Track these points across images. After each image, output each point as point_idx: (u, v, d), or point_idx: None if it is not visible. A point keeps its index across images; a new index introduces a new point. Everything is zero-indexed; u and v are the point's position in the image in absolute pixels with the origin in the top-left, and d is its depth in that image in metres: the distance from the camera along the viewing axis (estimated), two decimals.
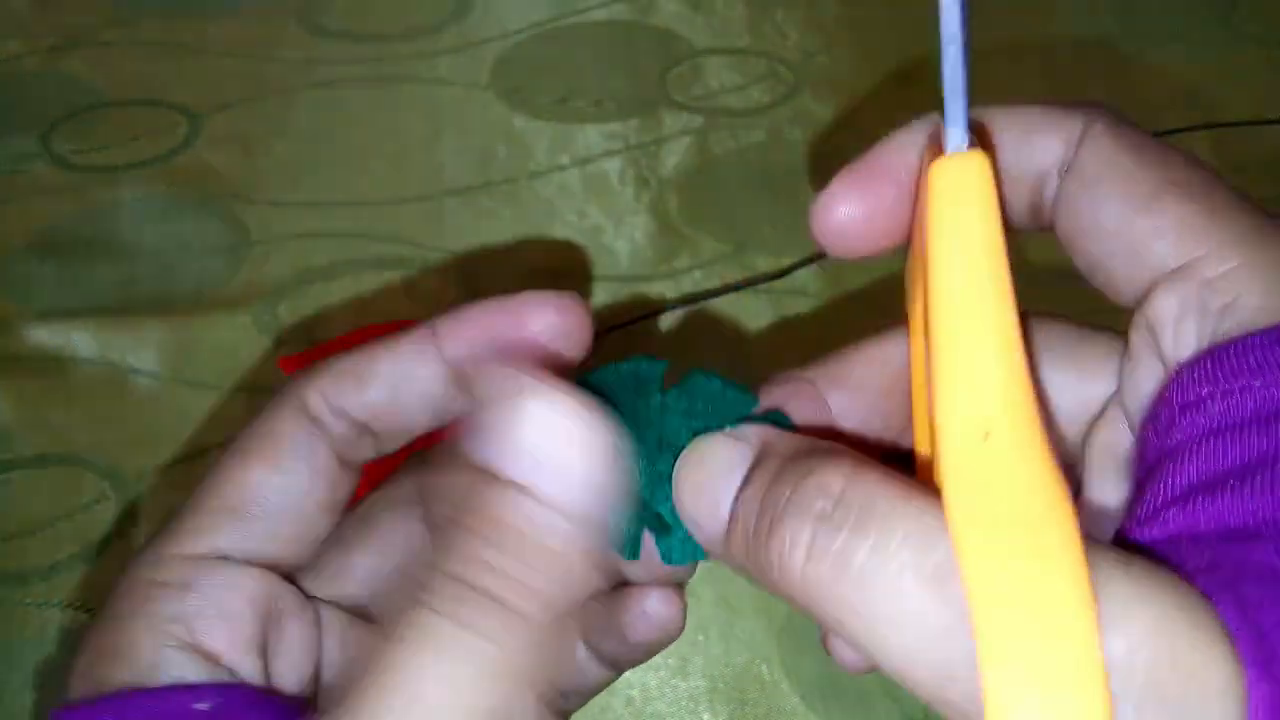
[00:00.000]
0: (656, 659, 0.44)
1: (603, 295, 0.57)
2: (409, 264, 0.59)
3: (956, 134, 0.21)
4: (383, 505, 0.28)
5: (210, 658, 0.24)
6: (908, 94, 0.69)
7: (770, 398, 0.26)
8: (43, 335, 0.55)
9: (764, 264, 0.59)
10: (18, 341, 0.55)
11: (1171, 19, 0.76)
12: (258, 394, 0.52)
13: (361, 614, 0.28)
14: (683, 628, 0.28)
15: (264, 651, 0.25)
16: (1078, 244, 0.24)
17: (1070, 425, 0.25)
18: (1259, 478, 0.19)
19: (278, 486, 0.26)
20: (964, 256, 0.20)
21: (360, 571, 0.28)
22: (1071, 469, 0.25)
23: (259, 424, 0.27)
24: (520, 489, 0.20)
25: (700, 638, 0.44)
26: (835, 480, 0.20)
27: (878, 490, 0.19)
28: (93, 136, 0.67)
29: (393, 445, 0.27)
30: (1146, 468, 0.22)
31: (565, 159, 0.65)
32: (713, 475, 0.22)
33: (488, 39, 0.75)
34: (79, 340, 0.55)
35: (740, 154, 0.66)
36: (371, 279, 0.58)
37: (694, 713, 0.42)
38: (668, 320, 0.56)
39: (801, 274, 0.58)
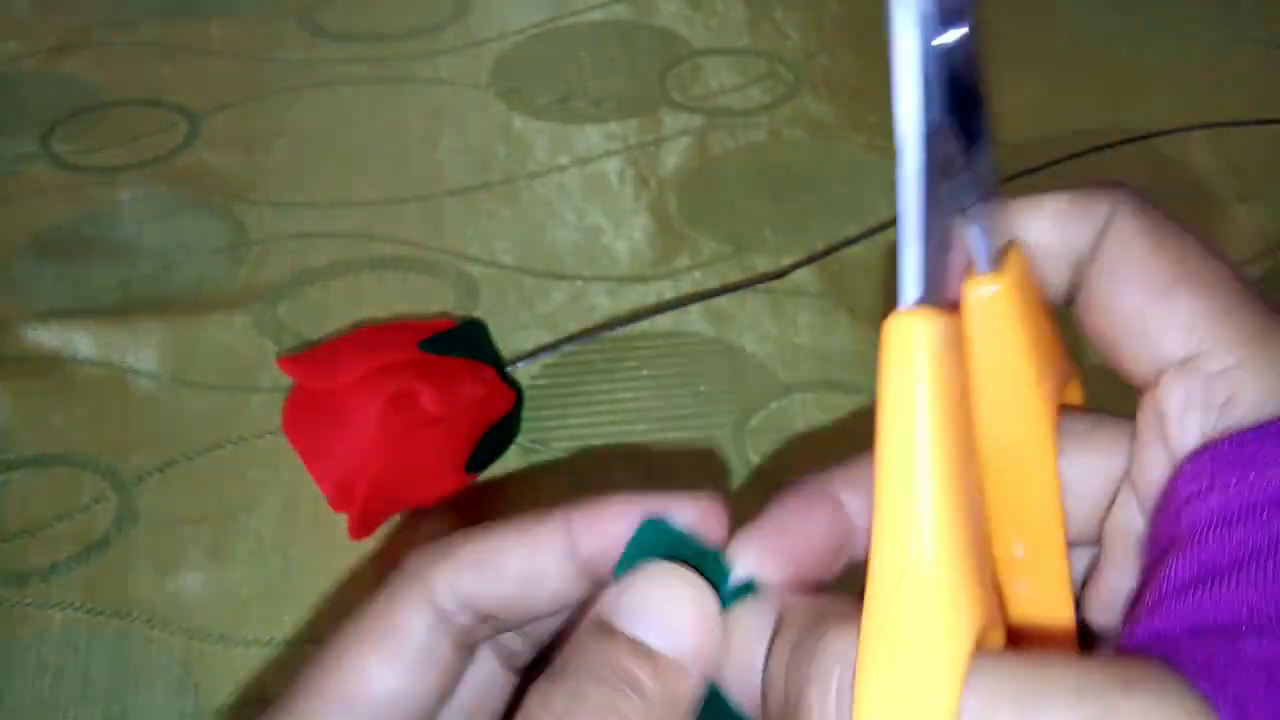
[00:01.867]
0: None
1: (602, 295, 0.57)
2: (409, 264, 0.59)
3: (910, 289, 0.22)
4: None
5: None
6: None
7: (786, 509, 0.27)
8: (43, 335, 0.55)
9: (764, 264, 0.59)
10: (18, 341, 0.55)
11: (1171, 19, 0.76)
12: (258, 394, 0.52)
13: None
14: None
15: None
16: (1094, 325, 0.25)
17: (1088, 508, 0.26)
18: (1248, 571, 0.20)
19: (393, 684, 0.26)
20: (901, 415, 0.21)
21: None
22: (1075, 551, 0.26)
23: (378, 611, 0.26)
24: (643, 647, 0.24)
25: None
26: (847, 649, 0.21)
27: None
28: (93, 136, 0.67)
29: (514, 628, 0.28)
30: (1155, 556, 0.23)
31: (565, 159, 0.65)
32: (742, 645, 0.24)
33: (488, 39, 0.75)
34: (79, 340, 0.55)
35: (740, 154, 0.66)
36: (371, 279, 0.58)
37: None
38: (663, 322, 0.56)
39: (801, 274, 0.58)
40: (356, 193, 0.63)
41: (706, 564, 0.25)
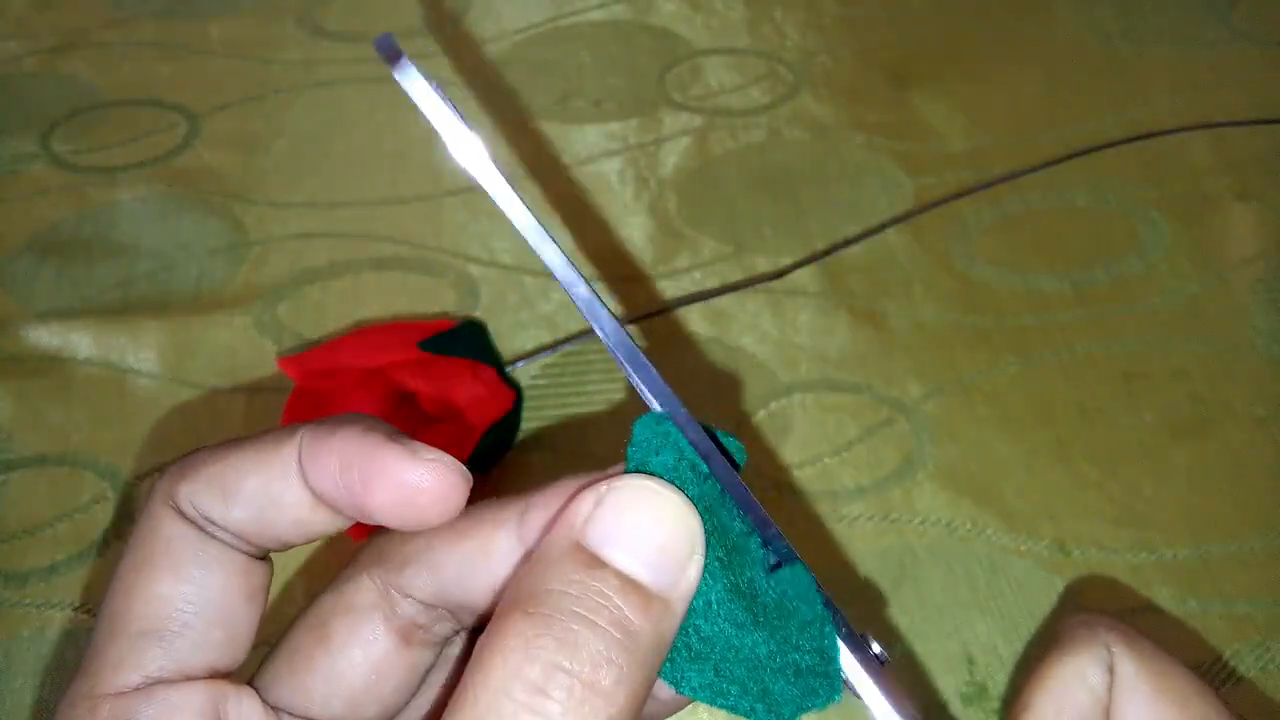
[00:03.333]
0: None
1: (602, 295, 0.57)
2: (409, 264, 0.59)
3: None
4: (339, 614, 0.27)
5: None
6: (907, 94, 0.69)
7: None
8: (43, 335, 0.55)
9: (763, 264, 0.59)
10: (18, 341, 0.55)
11: (1171, 19, 0.76)
12: (258, 394, 0.52)
13: None
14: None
15: None
16: None
17: None
18: None
19: (189, 596, 0.25)
20: None
21: (320, 687, 0.26)
22: None
23: (143, 535, 0.25)
24: (630, 581, 0.22)
25: None
26: None
27: None
28: (93, 136, 0.67)
29: (274, 549, 0.26)
30: None
31: (565, 159, 0.65)
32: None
33: (488, 39, 0.75)
34: (79, 340, 0.55)
35: (740, 154, 0.66)
36: (371, 279, 0.58)
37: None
38: (663, 322, 0.56)
39: (801, 274, 0.58)
40: (356, 193, 0.63)
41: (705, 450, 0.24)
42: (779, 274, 0.58)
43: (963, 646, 0.44)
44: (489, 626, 0.22)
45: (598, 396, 0.53)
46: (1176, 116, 0.67)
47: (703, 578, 0.24)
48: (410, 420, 0.47)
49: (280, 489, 0.25)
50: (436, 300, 0.57)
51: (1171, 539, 0.47)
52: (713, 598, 0.24)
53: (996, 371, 0.53)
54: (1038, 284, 0.58)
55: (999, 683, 0.43)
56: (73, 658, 0.43)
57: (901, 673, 0.43)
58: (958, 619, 0.44)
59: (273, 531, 0.25)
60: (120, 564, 0.25)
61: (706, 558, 0.24)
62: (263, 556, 0.26)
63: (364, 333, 0.53)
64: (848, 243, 0.60)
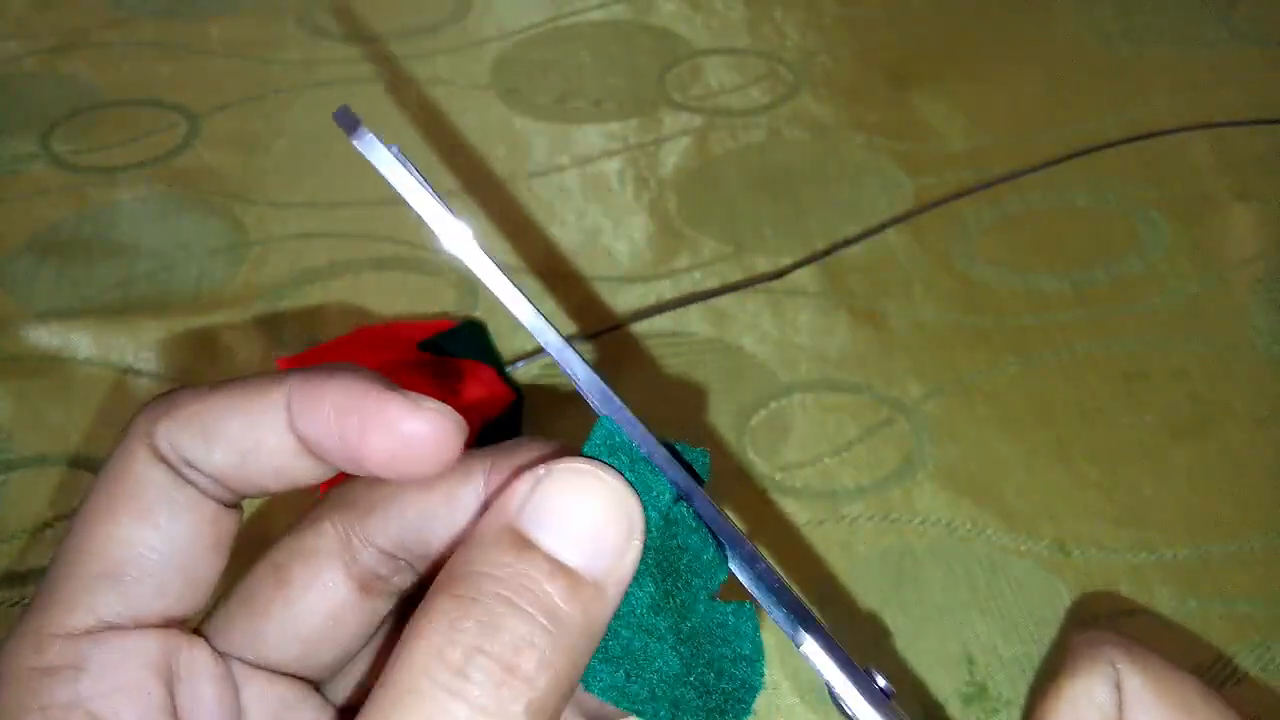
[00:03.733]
0: None
1: (602, 295, 0.57)
2: (409, 264, 0.59)
3: None
4: (299, 558, 0.26)
5: None
6: (907, 94, 0.70)
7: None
8: (43, 335, 0.55)
9: (763, 264, 0.59)
10: (18, 341, 0.55)
11: (1171, 19, 0.76)
12: None
13: (288, 673, 0.26)
14: None
15: (176, 716, 0.24)
16: None
17: None
18: None
19: (152, 542, 0.24)
20: None
21: (277, 631, 0.26)
22: None
23: (113, 473, 0.24)
24: (560, 565, 0.22)
25: None
26: None
27: None
28: (93, 136, 0.67)
29: (251, 496, 0.25)
30: None
31: (565, 159, 0.65)
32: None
33: (488, 39, 0.75)
34: (79, 340, 0.55)
35: (740, 154, 0.66)
36: (371, 279, 0.58)
37: None
38: (663, 322, 0.56)
39: (801, 274, 0.58)
40: (356, 193, 0.63)
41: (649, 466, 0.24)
42: (779, 274, 0.58)
43: (963, 646, 0.44)
44: (418, 607, 0.22)
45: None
46: (1176, 116, 0.67)
47: (631, 583, 0.23)
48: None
49: (265, 433, 0.24)
50: (436, 300, 0.57)
51: (1171, 539, 0.47)
52: (635, 605, 0.23)
53: (996, 371, 0.53)
54: (1038, 284, 0.58)
55: (999, 683, 0.43)
56: None
57: (902, 685, 0.43)
58: (958, 619, 0.44)
59: (252, 477, 0.24)
60: (86, 500, 0.24)
61: (641, 563, 0.23)
62: (233, 504, 0.25)
63: (364, 333, 0.53)
64: (848, 243, 0.60)
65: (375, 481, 0.25)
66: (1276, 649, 0.43)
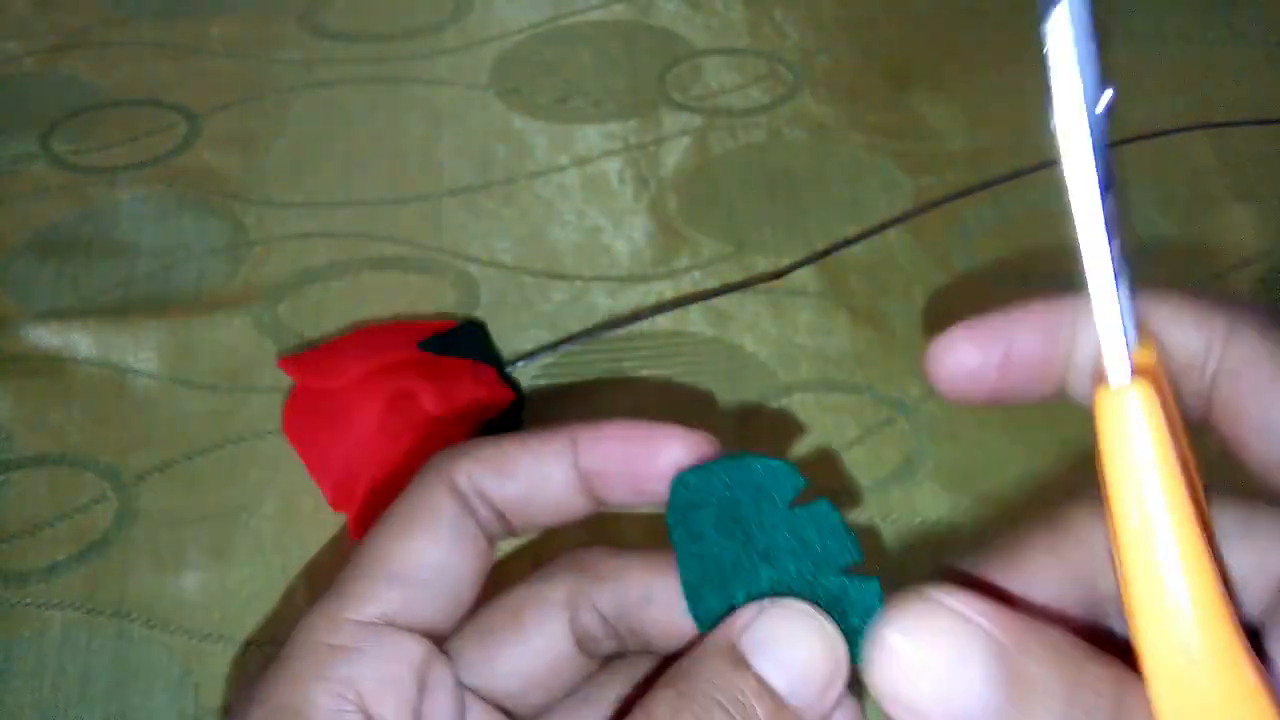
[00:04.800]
0: None
1: (602, 296, 0.57)
2: (409, 264, 0.59)
3: (1118, 368, 0.22)
4: (533, 603, 0.29)
5: None
6: (907, 94, 0.69)
7: (1004, 316, 0.28)
8: (43, 335, 0.55)
9: (764, 264, 0.59)
10: (18, 341, 0.55)
11: (1171, 19, 0.76)
12: (258, 394, 0.52)
13: (501, 707, 0.29)
14: None
15: (419, 718, 0.26)
16: (1249, 446, 0.26)
17: (1252, 601, 0.26)
18: None
19: (436, 558, 0.27)
20: (1138, 493, 0.21)
21: (505, 666, 0.29)
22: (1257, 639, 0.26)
23: (414, 498, 0.28)
24: (769, 689, 0.25)
25: None
26: (1108, 689, 0.22)
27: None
28: (93, 136, 0.67)
29: (519, 534, 0.29)
30: None
31: (565, 159, 0.65)
32: (941, 659, 0.22)
33: (487, 39, 0.75)
34: (79, 340, 0.55)
35: (740, 154, 0.66)
36: (371, 279, 0.58)
37: None
38: (663, 322, 0.56)
39: (801, 274, 0.58)
40: (356, 193, 0.63)
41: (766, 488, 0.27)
42: (779, 274, 0.58)
43: None
44: (643, 697, 0.25)
45: (598, 396, 0.53)
46: (1176, 116, 0.67)
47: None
48: (410, 420, 0.47)
49: (551, 468, 0.28)
50: (436, 300, 0.57)
51: None
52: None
53: None
54: (1037, 284, 0.58)
55: None
56: (73, 659, 0.43)
57: None
58: None
59: (535, 509, 0.29)
60: (383, 521, 0.28)
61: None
62: (494, 547, 0.29)
63: (364, 333, 0.53)
64: (848, 243, 0.60)
65: (610, 550, 0.29)
66: None
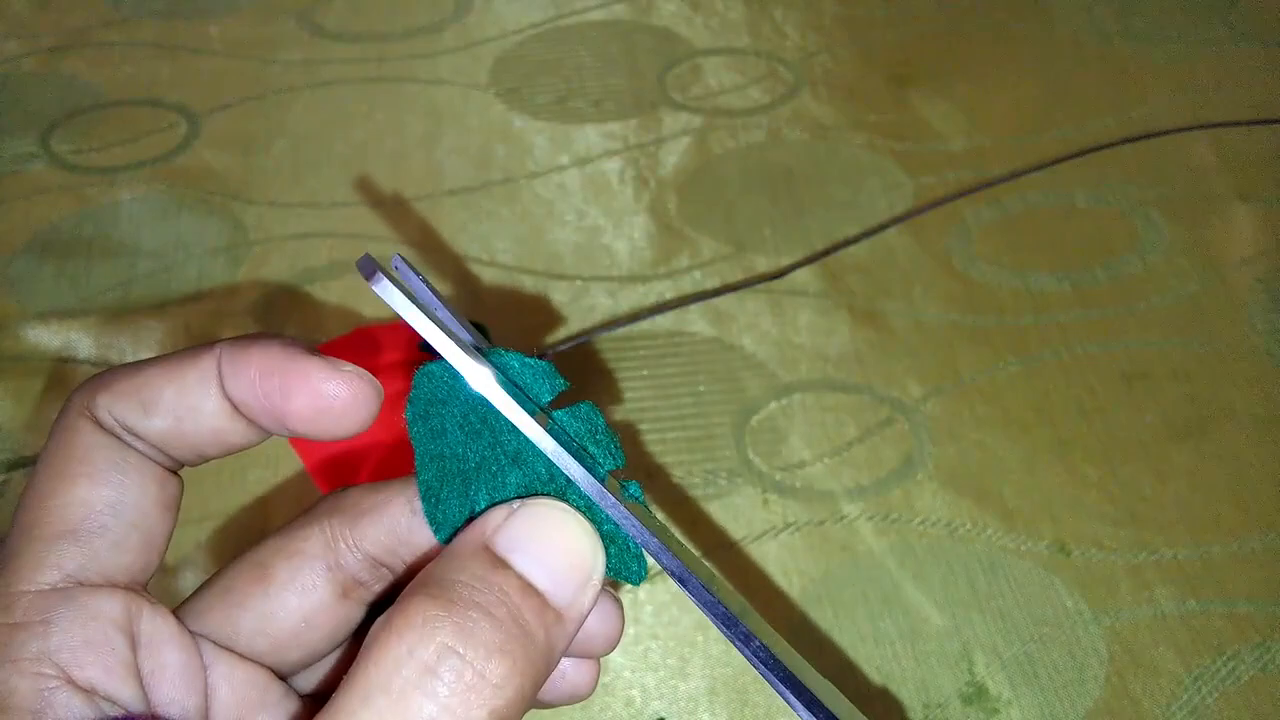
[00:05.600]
0: (656, 659, 0.44)
1: (602, 295, 0.57)
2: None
3: None
4: (283, 556, 0.27)
5: (88, 691, 0.23)
6: (906, 94, 0.69)
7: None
8: (43, 335, 0.55)
9: (763, 264, 0.59)
10: (18, 341, 0.55)
11: (1171, 19, 0.76)
12: None
13: (252, 660, 0.27)
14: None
15: (140, 676, 0.24)
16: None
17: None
18: None
19: (108, 500, 0.25)
20: None
21: (249, 624, 0.27)
22: None
23: (59, 444, 0.25)
24: (532, 589, 0.24)
25: (700, 638, 0.44)
26: None
27: None
28: (93, 136, 0.67)
29: (193, 463, 0.26)
30: None
31: (565, 159, 0.65)
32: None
33: (488, 39, 0.75)
34: (79, 340, 0.55)
35: (740, 154, 0.66)
36: None
37: (694, 713, 0.42)
38: (663, 322, 0.56)
39: (801, 274, 0.58)
40: (356, 193, 0.63)
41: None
42: (779, 274, 0.58)
43: (963, 646, 0.44)
44: (390, 608, 0.23)
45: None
46: (1176, 116, 0.67)
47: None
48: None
49: (198, 398, 0.25)
50: None
51: (1171, 539, 0.47)
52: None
53: (996, 371, 0.53)
54: (1038, 284, 0.58)
55: (999, 683, 0.43)
56: None
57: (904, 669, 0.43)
58: (958, 619, 0.44)
59: (191, 441, 0.26)
60: (34, 474, 0.25)
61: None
62: (175, 471, 0.26)
63: (364, 333, 0.53)
64: (848, 243, 0.60)
65: (371, 487, 0.27)
66: (1276, 649, 0.43)
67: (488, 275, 0.58)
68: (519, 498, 0.25)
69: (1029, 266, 0.59)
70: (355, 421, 0.25)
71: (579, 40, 0.75)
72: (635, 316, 0.56)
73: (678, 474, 0.49)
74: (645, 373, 0.54)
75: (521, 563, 0.24)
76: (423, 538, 0.27)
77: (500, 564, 0.24)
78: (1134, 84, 0.71)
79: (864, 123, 0.68)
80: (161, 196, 0.63)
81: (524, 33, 0.75)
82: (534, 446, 0.25)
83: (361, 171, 0.65)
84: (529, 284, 0.58)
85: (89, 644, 0.23)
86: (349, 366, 0.25)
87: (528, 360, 0.26)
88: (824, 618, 0.45)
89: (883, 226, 0.61)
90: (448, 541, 0.26)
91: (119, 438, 0.25)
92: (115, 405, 0.25)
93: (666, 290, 0.57)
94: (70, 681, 0.23)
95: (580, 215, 0.62)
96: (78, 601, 0.24)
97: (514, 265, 0.59)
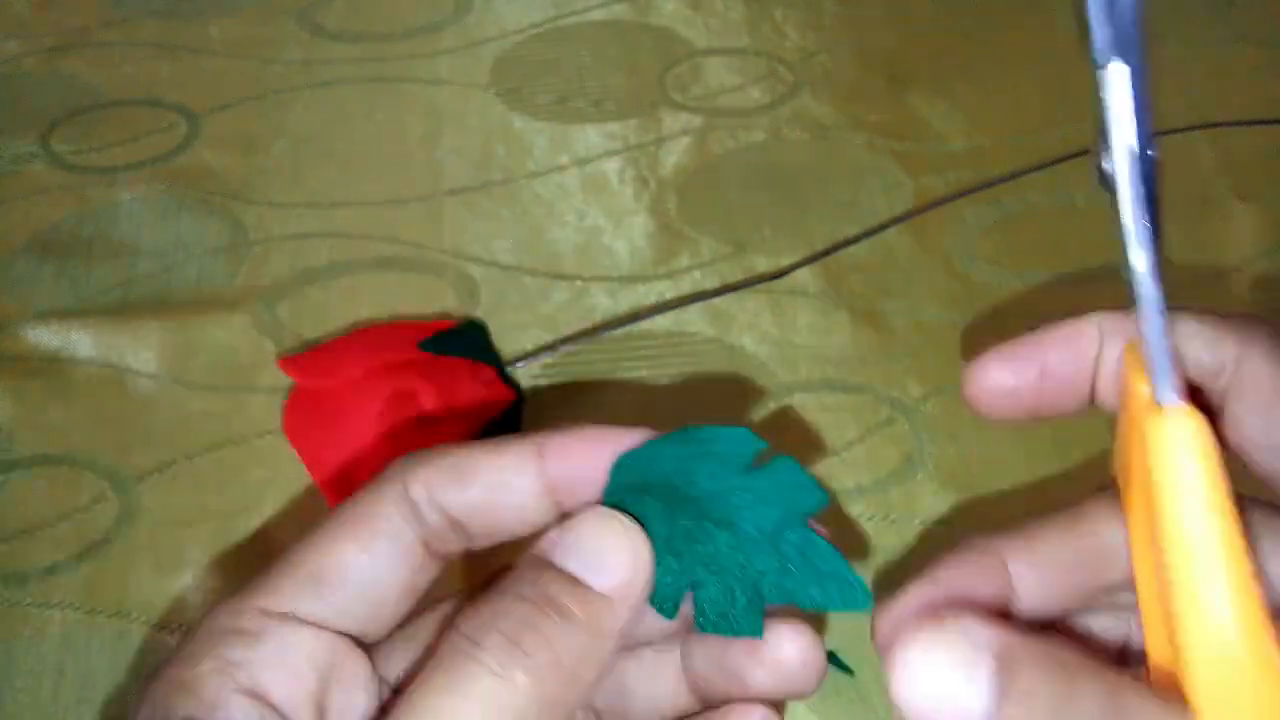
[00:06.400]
0: None
1: (602, 295, 0.57)
2: (409, 264, 0.59)
3: (1170, 392, 0.25)
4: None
5: (269, 705, 0.26)
6: (906, 94, 0.69)
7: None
8: (42, 335, 0.55)
9: (764, 264, 0.59)
10: (18, 341, 0.55)
11: (1171, 19, 0.76)
12: (257, 394, 0.52)
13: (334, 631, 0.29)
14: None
15: (322, 711, 0.27)
16: (1255, 460, 0.28)
17: None
18: None
19: (362, 564, 0.27)
20: (1191, 513, 0.23)
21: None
22: None
23: (359, 501, 0.28)
24: (575, 580, 0.26)
25: None
26: (1101, 691, 0.22)
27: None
28: (93, 136, 0.67)
29: (481, 544, 0.29)
30: None
31: (565, 159, 0.65)
32: (946, 680, 0.23)
33: (488, 39, 0.75)
34: (79, 340, 0.55)
35: (740, 154, 0.66)
36: (371, 279, 0.58)
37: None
38: (663, 322, 0.56)
39: (801, 274, 0.58)
40: (356, 193, 0.63)
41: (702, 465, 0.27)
42: (779, 274, 0.58)
43: None
44: (458, 616, 0.26)
45: (598, 396, 0.53)
46: (1176, 116, 0.67)
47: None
48: (410, 420, 0.47)
49: (513, 475, 0.28)
50: (436, 300, 0.57)
51: None
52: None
53: None
54: (1038, 284, 0.58)
55: None
56: (73, 660, 0.43)
57: None
58: None
59: (495, 517, 0.28)
60: (324, 522, 0.28)
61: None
62: (442, 559, 0.29)
63: (364, 333, 0.53)
64: (848, 243, 0.60)
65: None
66: None
67: (488, 275, 0.58)
68: (732, 560, 0.27)
69: (1029, 266, 0.59)
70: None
71: (579, 40, 0.75)
72: (635, 316, 0.56)
73: None
74: (645, 373, 0.54)
75: (565, 560, 0.26)
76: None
77: (546, 564, 0.26)
78: None
79: (864, 123, 0.68)
80: (161, 196, 0.63)
81: (524, 33, 0.75)
82: (743, 505, 0.27)
83: (361, 171, 0.65)
84: (529, 284, 0.58)
85: (284, 666, 0.26)
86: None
87: (722, 430, 0.28)
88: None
89: (883, 226, 0.61)
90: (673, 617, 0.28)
91: (416, 513, 0.28)
92: (432, 477, 0.28)
93: (666, 290, 0.57)
94: (254, 692, 0.26)
95: (580, 215, 0.62)
96: (289, 630, 0.27)
97: (514, 265, 0.59)
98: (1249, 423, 0.28)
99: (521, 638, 0.24)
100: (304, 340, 0.55)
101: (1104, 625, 0.31)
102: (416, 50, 0.74)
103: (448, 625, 0.28)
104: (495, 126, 0.68)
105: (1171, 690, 0.23)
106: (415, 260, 0.59)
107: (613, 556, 0.26)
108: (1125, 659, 0.31)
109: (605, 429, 0.28)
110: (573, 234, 0.61)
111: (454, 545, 0.29)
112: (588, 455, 0.28)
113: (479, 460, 0.28)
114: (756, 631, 0.27)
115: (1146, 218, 0.26)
